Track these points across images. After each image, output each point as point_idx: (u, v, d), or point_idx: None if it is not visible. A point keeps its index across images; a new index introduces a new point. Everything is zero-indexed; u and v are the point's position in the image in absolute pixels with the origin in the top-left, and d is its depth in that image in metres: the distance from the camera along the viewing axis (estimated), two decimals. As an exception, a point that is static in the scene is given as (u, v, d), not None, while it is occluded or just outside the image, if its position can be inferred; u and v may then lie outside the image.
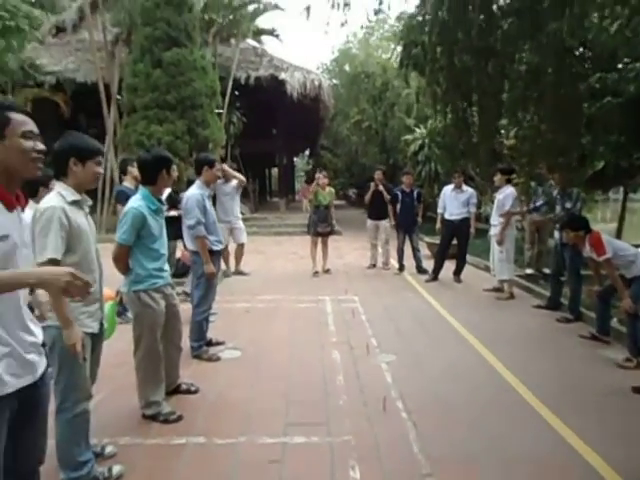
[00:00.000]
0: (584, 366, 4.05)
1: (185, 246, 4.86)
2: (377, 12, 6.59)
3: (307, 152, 34.99)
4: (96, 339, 2.41)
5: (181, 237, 4.96)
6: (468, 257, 7.92)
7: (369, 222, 8.55)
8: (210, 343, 4.38)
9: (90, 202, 2.39)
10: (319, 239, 7.88)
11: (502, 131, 9.37)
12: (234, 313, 5.58)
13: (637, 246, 4.54)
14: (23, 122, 1.55)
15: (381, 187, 8.13)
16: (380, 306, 5.97)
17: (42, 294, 2.21)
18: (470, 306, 6.01)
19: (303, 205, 8.31)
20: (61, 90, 14.06)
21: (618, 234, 8.48)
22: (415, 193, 8.12)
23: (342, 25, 7.60)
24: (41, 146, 1.59)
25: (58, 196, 2.21)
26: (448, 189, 7.53)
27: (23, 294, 1.63)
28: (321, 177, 7.72)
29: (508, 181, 6.44)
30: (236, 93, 15.25)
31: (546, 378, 3.77)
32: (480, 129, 7.27)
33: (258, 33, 17.07)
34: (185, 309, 3.96)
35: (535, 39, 5.65)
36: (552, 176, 6.03)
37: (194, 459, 2.65)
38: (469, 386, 3.63)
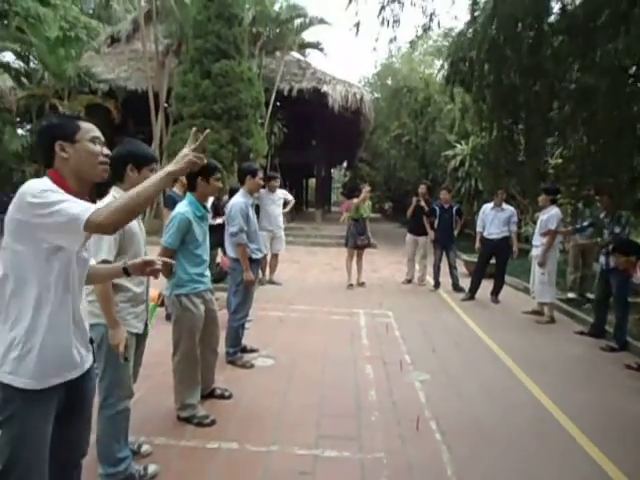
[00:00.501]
0: (629, 398, 3.86)
1: (225, 253, 4.96)
2: (426, 29, 6.56)
3: (344, 164, 35.10)
4: (140, 339, 2.49)
5: (221, 245, 5.06)
6: (506, 277, 7.72)
7: (409, 237, 8.49)
8: (244, 350, 4.44)
9: (142, 207, 2.48)
10: (355, 251, 7.87)
11: (547, 150, 9.13)
12: (268, 321, 5.63)
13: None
14: (91, 129, 1.66)
15: (422, 202, 8.07)
16: (415, 322, 5.89)
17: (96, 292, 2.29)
18: (508, 328, 5.84)
19: (342, 217, 8.30)
20: (113, 97, 14.69)
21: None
22: (454, 209, 8.00)
23: (391, 42, 7.55)
24: (107, 151, 1.69)
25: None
26: (487, 207, 7.40)
27: (83, 289, 1.72)
28: (367, 191, 7.73)
29: (553, 201, 6.26)
30: (278, 104, 15.51)
31: (587, 407, 3.62)
32: (526, 147, 7.10)
33: (303, 46, 17.38)
34: (222, 314, 4.02)
35: (587, 57, 5.50)
36: (600, 198, 5.83)
37: (226, 464, 2.68)
38: (505, 410, 3.52)
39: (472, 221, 10.86)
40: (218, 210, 5.63)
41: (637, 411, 3.62)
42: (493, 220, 7.20)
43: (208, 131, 1.69)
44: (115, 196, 2.32)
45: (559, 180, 8.37)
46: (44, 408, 1.57)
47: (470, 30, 6.27)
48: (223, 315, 4.14)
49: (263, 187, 5.58)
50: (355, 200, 7.72)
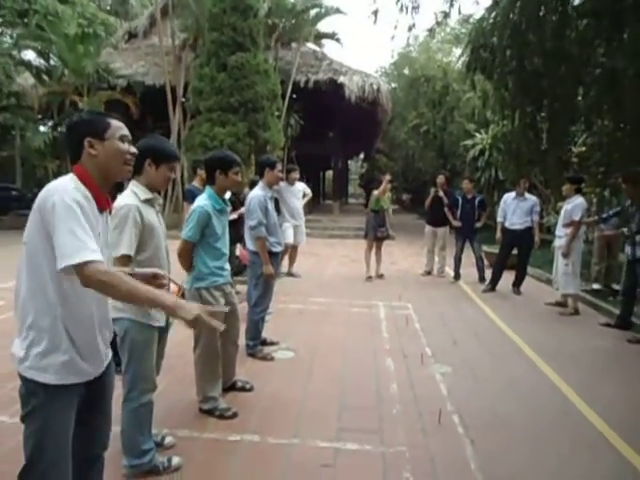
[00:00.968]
0: (659, 392, 3.76)
1: (244, 246, 4.96)
2: (446, 15, 6.42)
3: (362, 155, 34.87)
4: (162, 332, 2.50)
5: (239, 240, 5.07)
6: (528, 268, 7.58)
7: (427, 228, 8.39)
8: (264, 342, 4.44)
9: (161, 201, 2.49)
10: (374, 243, 7.81)
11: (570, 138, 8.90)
12: (288, 314, 5.64)
13: None
14: (120, 127, 1.67)
15: (441, 192, 7.95)
16: (435, 315, 5.83)
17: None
18: (530, 320, 5.74)
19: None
20: (131, 92, 14.81)
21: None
22: (477, 200, 7.82)
23: (409, 29, 7.41)
24: (133, 149, 1.69)
25: (132, 194, 2.31)
26: (509, 197, 7.25)
27: None
28: (388, 181, 7.64)
29: (577, 191, 6.10)
30: (294, 96, 15.44)
31: (615, 402, 3.53)
32: (550, 135, 6.92)
33: (319, 37, 17.24)
34: (242, 307, 4.03)
35: (614, 40, 5.31)
36: (626, 187, 5.65)
37: (248, 457, 2.69)
38: (530, 404, 3.46)
39: (492, 211, 10.67)
40: (235, 205, 5.63)
41: (667, 405, 3.52)
42: (515, 210, 7.05)
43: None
44: (133, 189, 2.32)
45: (582, 169, 8.17)
46: (67, 402, 1.58)
47: (492, 15, 6.11)
48: (243, 308, 4.15)
49: (282, 180, 5.55)
50: (375, 192, 7.63)
